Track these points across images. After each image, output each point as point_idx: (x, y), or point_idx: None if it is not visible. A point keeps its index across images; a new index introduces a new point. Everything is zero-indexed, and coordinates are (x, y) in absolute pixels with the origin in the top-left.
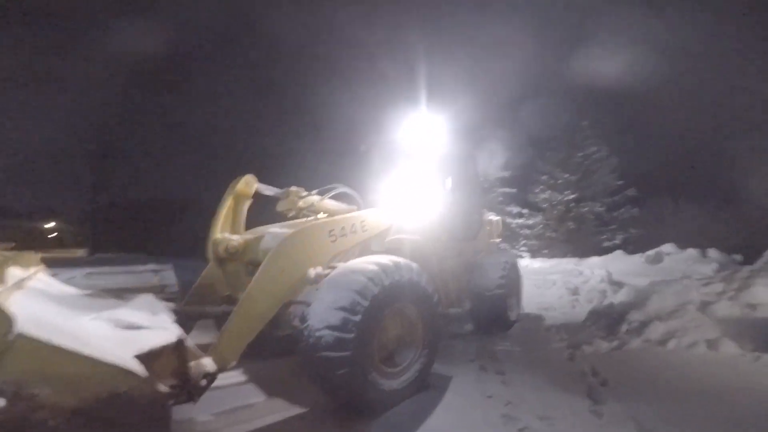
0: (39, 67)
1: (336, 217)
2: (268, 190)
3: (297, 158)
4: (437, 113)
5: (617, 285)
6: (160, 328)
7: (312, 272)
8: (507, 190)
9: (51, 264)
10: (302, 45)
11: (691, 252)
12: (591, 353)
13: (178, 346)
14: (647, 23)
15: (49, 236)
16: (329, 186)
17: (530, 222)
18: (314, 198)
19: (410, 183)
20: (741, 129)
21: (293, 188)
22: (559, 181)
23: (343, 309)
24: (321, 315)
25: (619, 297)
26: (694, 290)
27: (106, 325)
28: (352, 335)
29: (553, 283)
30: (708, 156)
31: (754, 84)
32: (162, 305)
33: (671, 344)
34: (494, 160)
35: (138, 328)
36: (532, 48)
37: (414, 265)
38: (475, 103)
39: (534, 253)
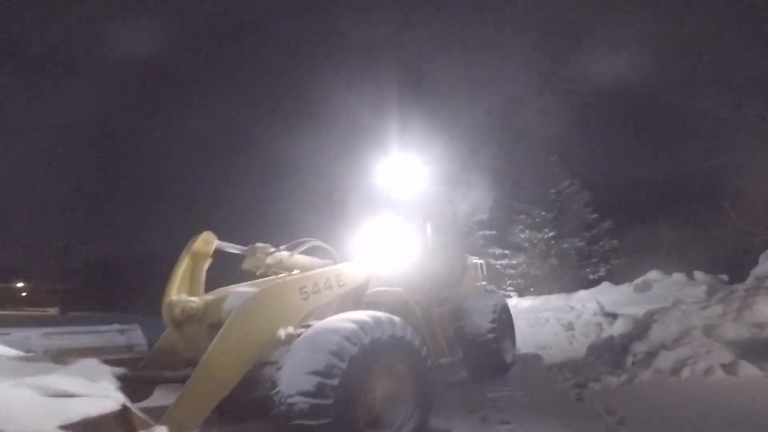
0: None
1: (308, 273)
2: (231, 248)
3: (268, 211)
4: (412, 158)
5: (611, 316)
6: (98, 395)
7: (282, 332)
8: (487, 232)
9: (18, 322)
10: (270, 90)
11: (678, 276)
12: (600, 390)
13: (122, 415)
14: (607, 48)
15: (21, 295)
16: (300, 240)
17: (514, 262)
18: (283, 254)
19: (388, 231)
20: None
21: (259, 245)
22: (537, 220)
23: (317, 373)
24: (292, 380)
25: (617, 328)
26: (694, 315)
27: (30, 392)
28: (329, 401)
29: (546, 321)
30: (680, 180)
31: (713, 103)
32: (106, 370)
33: (685, 373)
34: (471, 204)
35: (69, 396)
36: (495, 87)
37: (396, 319)
38: (448, 147)
39: (521, 292)
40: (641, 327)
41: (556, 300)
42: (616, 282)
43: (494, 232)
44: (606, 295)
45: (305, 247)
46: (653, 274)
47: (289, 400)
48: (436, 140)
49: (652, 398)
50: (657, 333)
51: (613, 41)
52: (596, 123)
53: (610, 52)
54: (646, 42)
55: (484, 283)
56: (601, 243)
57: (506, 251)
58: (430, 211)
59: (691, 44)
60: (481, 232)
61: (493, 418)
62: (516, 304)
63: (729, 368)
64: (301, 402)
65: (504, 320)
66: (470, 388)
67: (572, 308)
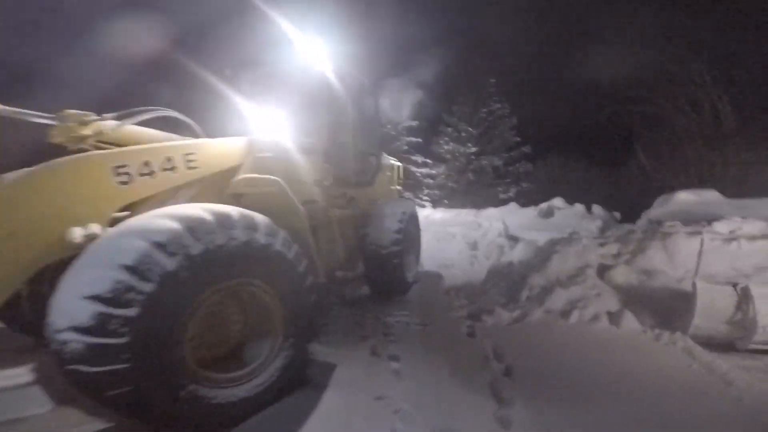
0: None
1: (134, 148)
2: (27, 115)
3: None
4: (332, 37)
5: (514, 240)
6: None
7: (78, 232)
8: (413, 139)
9: None
10: None
11: (579, 208)
12: (491, 326)
13: None
14: None
15: None
16: (141, 108)
17: (433, 172)
18: (109, 124)
19: (288, 114)
20: (627, 98)
21: (73, 111)
22: (463, 134)
23: (98, 299)
24: (65, 307)
25: (517, 253)
26: (592, 252)
27: None
28: (122, 340)
29: (452, 237)
30: (596, 122)
31: (659, 52)
32: None
33: (573, 317)
34: (402, 109)
35: None
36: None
37: (260, 219)
38: (381, 44)
39: (435, 203)
40: (541, 257)
41: (465, 215)
42: (523, 204)
43: (420, 140)
44: (512, 216)
45: (147, 116)
46: (557, 202)
47: (60, 336)
48: (369, 31)
49: (540, 343)
50: (555, 266)
51: None
52: (536, 56)
53: None
54: None
55: (398, 188)
56: (516, 165)
57: (428, 160)
58: (340, 94)
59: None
60: (408, 139)
61: (384, 351)
62: (428, 215)
63: (614, 318)
64: (75, 340)
65: (411, 232)
66: (368, 308)
67: (479, 226)
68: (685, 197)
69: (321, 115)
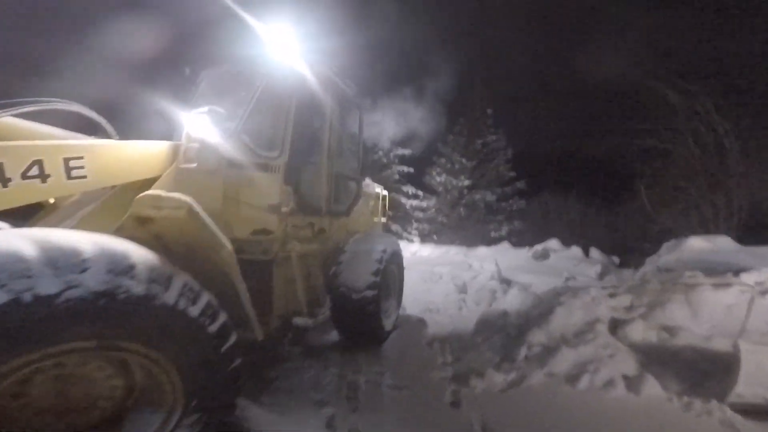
0: None
1: None
2: None
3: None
4: (318, 45)
5: (506, 283)
6: None
7: None
8: (405, 168)
9: None
10: None
11: (576, 250)
12: (482, 392)
13: None
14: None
15: None
16: (31, 99)
17: (424, 204)
18: None
19: (246, 121)
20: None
21: None
22: (457, 166)
23: None
24: None
25: (511, 300)
26: (601, 304)
27: None
28: None
29: (440, 277)
30: (594, 157)
31: (665, 84)
32: None
33: (583, 382)
34: (395, 135)
35: None
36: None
37: (140, 260)
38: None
39: (424, 239)
40: (542, 308)
41: (455, 253)
42: (515, 244)
43: (412, 169)
44: (504, 256)
45: (37, 107)
46: (553, 243)
47: None
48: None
49: (541, 415)
50: (559, 320)
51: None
52: (537, 89)
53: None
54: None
55: (383, 219)
56: (510, 201)
57: (419, 192)
58: (313, 101)
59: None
60: (400, 167)
61: (343, 423)
62: (416, 251)
63: (632, 383)
64: None
65: (392, 273)
66: (333, 361)
67: (470, 266)
68: (697, 244)
69: (286, 125)
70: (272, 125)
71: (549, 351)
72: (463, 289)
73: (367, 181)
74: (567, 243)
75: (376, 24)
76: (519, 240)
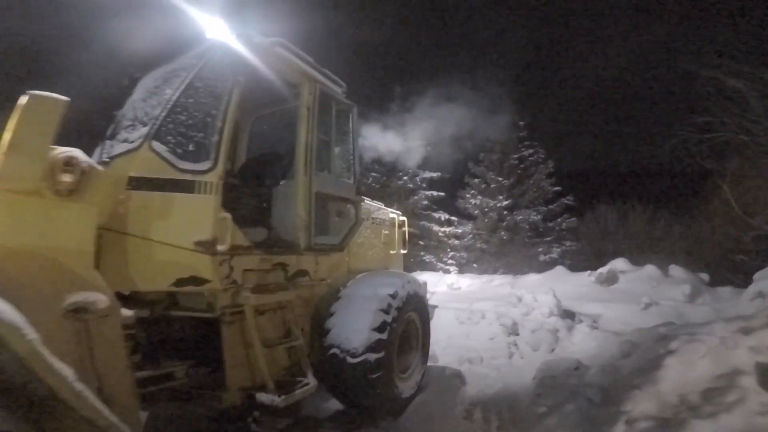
0: None
1: None
2: None
3: None
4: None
5: (570, 317)
6: None
7: None
8: (434, 193)
9: None
10: None
11: (650, 270)
12: None
13: None
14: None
15: None
16: None
17: (459, 231)
18: None
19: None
20: (700, 124)
21: None
22: (492, 186)
23: None
24: None
25: (580, 341)
26: (739, 345)
27: None
28: None
29: (482, 317)
30: (654, 164)
31: (725, 70)
32: None
33: None
34: (419, 157)
35: None
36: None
37: None
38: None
39: (462, 268)
40: (638, 357)
41: (500, 284)
42: (572, 268)
43: (443, 194)
44: (561, 283)
45: None
46: (619, 264)
47: None
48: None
49: None
50: (674, 376)
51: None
52: (574, 90)
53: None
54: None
55: (403, 252)
56: (558, 220)
57: (453, 218)
58: (270, 95)
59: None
60: (428, 192)
61: None
62: (453, 283)
63: None
64: None
65: (410, 323)
66: None
67: (519, 300)
68: None
69: (222, 125)
70: (201, 127)
71: (666, 427)
72: (513, 330)
73: (377, 204)
74: (637, 262)
75: (393, 27)
76: (575, 263)
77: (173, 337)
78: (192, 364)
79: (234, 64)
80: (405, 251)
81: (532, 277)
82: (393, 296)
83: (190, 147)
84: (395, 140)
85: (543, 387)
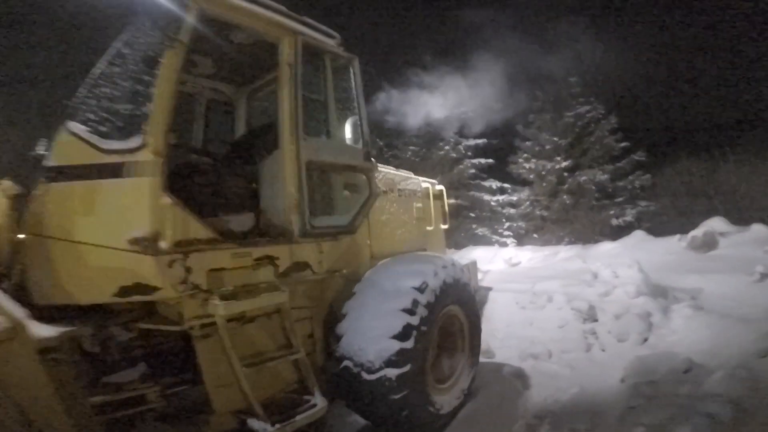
0: None
1: None
2: None
3: None
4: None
5: (663, 296)
6: None
7: None
8: (482, 160)
9: None
10: None
11: (759, 230)
12: None
13: None
14: None
15: None
16: None
17: (514, 198)
18: None
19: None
20: None
21: None
22: (547, 147)
23: None
24: None
25: (685, 328)
26: None
27: None
28: None
29: (549, 299)
30: (746, 103)
31: None
32: None
33: None
34: (465, 124)
35: None
36: None
37: None
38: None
39: (521, 239)
40: None
41: (567, 257)
42: (653, 232)
43: (491, 160)
44: (644, 252)
45: None
46: (717, 224)
47: None
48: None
49: None
50: None
51: None
52: (633, 28)
53: None
54: None
55: (444, 227)
56: (630, 178)
57: (506, 185)
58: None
59: None
60: (474, 161)
61: None
62: (511, 258)
63: None
64: None
65: (451, 319)
66: None
67: (595, 276)
68: None
69: (158, 87)
70: (130, 98)
71: None
72: (590, 315)
73: (404, 173)
74: (737, 221)
75: None
76: (656, 226)
77: (152, 353)
78: (173, 383)
79: (167, 21)
80: (446, 226)
81: (606, 246)
82: (420, 289)
83: (118, 123)
84: (431, 103)
85: (638, 396)
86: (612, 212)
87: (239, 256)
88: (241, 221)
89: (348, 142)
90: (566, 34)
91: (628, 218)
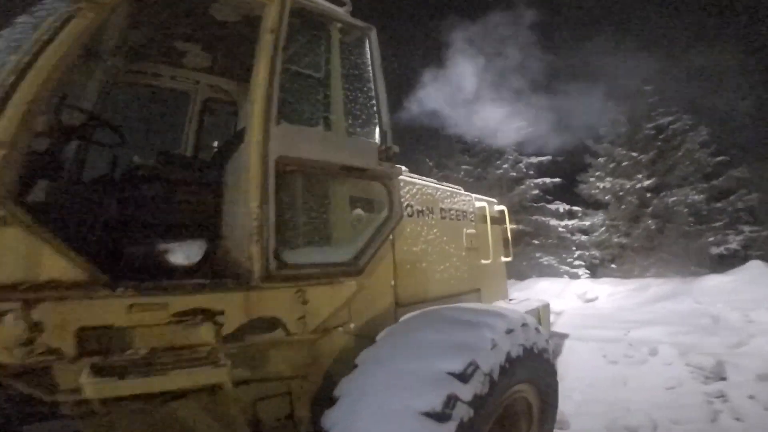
0: None
1: None
2: None
3: None
4: None
5: None
6: None
7: None
8: (547, 180)
9: None
10: None
11: None
12: None
13: None
14: None
15: None
16: None
17: (586, 224)
18: None
19: None
20: None
21: None
22: (624, 164)
23: None
24: None
25: None
26: None
27: None
28: None
29: (651, 351)
30: None
31: None
32: None
33: None
34: (524, 140)
35: None
36: None
37: None
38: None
39: (596, 270)
40: None
41: (661, 291)
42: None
43: (558, 180)
44: (757, 290)
45: None
46: None
47: None
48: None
49: None
50: None
51: None
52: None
53: None
54: None
55: (505, 260)
56: (731, 199)
57: (576, 208)
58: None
59: None
60: (538, 181)
61: None
62: (585, 291)
63: None
64: None
65: (510, 404)
66: None
67: (715, 320)
68: None
69: None
70: None
71: None
72: (715, 373)
73: (449, 188)
74: None
75: None
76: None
77: None
78: None
79: None
80: (509, 258)
81: (714, 280)
82: (463, 376)
83: None
84: (486, 114)
85: None
86: (711, 239)
87: (144, 310)
88: (186, 252)
89: (358, 136)
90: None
91: (732, 245)
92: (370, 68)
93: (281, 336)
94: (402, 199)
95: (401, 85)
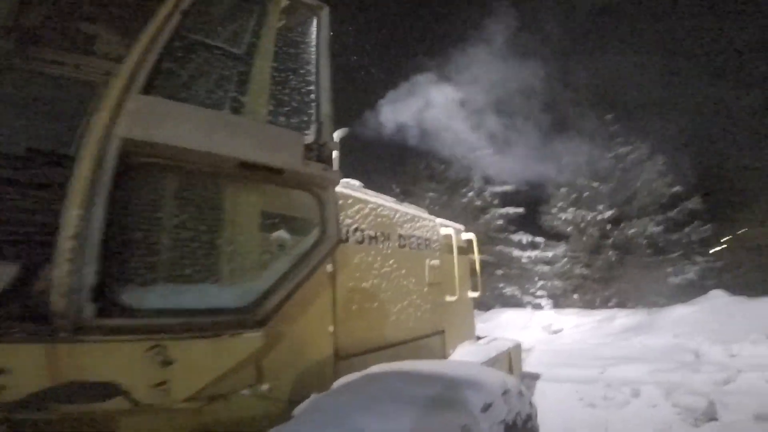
0: None
1: None
2: None
3: None
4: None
5: None
6: None
7: None
8: (511, 210)
9: None
10: None
11: None
12: None
13: None
14: None
15: None
16: None
17: (549, 254)
18: None
19: None
20: None
21: None
22: (586, 194)
23: None
24: None
25: None
26: None
27: None
28: None
29: (633, 392)
30: None
31: None
32: None
33: None
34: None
35: None
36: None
37: None
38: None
39: (558, 300)
40: None
41: (628, 322)
42: (734, 291)
43: (521, 209)
44: (739, 317)
45: None
46: None
47: None
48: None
49: None
50: None
51: None
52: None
53: None
54: None
55: (473, 296)
56: (686, 230)
57: (538, 239)
58: None
59: None
60: (501, 210)
61: None
62: (551, 323)
63: None
64: None
65: None
66: None
67: (696, 355)
68: None
69: None
70: None
71: None
72: (707, 414)
73: (409, 210)
74: None
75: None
76: (733, 283)
77: None
78: None
79: None
80: (477, 294)
81: (680, 311)
82: None
83: None
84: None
85: None
86: (669, 269)
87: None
88: None
89: (284, 125)
90: (599, 61)
91: (690, 275)
92: (313, 50)
93: (122, 405)
94: (351, 221)
95: (369, 103)
